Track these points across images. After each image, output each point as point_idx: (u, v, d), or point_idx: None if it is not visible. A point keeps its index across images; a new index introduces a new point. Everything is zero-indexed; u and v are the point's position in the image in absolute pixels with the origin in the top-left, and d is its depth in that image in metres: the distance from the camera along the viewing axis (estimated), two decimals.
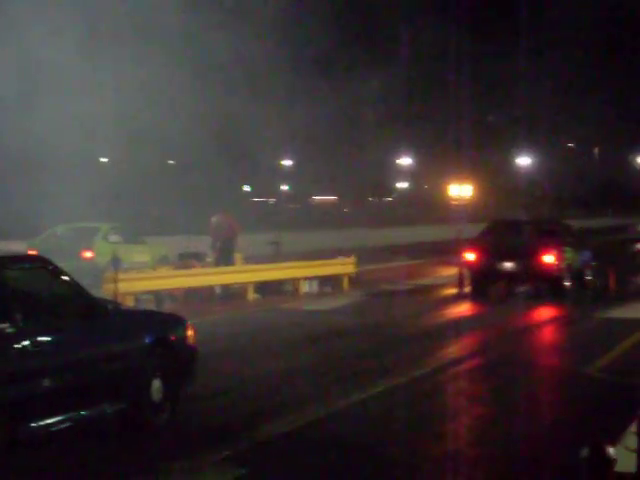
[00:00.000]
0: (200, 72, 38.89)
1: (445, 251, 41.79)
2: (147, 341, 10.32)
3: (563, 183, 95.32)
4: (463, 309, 22.57)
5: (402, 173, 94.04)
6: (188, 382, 10.94)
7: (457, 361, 15.04)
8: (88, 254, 27.39)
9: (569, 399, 12.35)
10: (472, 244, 26.34)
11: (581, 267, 26.20)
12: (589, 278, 26.40)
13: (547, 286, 24.76)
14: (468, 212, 41.28)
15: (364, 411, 11.56)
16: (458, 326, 19.39)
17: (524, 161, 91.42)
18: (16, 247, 28.58)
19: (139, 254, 28.84)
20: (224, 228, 26.60)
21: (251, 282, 24.50)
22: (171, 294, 23.14)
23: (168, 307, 22.35)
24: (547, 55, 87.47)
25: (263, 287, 25.13)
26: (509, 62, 75.45)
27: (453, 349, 16.56)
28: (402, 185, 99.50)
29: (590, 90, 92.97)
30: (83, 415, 9.20)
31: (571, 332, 19.06)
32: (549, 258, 24.39)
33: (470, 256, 25.40)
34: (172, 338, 10.80)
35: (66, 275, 9.58)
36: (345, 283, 26.99)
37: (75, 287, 9.65)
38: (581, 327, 19.62)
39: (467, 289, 25.48)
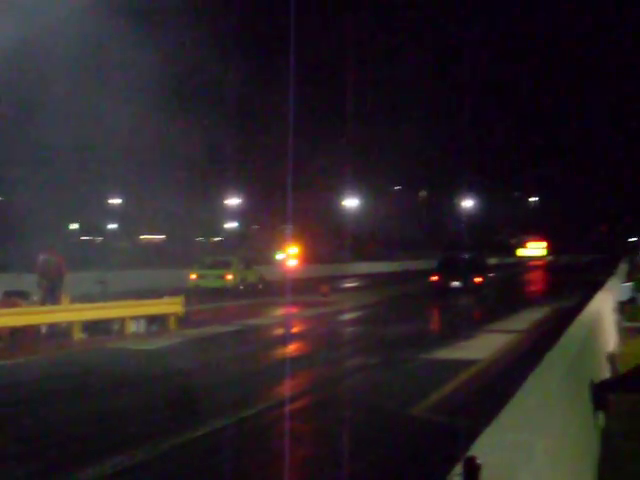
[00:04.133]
0: (27, 105, 38.35)
1: (276, 291, 42.20)
2: None
3: (390, 224, 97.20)
4: (291, 350, 22.70)
5: (231, 213, 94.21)
6: None
7: (283, 402, 15.05)
8: None
9: (394, 440, 12.50)
10: (435, 270, 44.50)
11: (487, 283, 46.05)
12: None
13: (476, 294, 42.23)
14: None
15: (190, 452, 11.60)
16: (286, 367, 19.50)
17: (351, 203, 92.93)
18: None
19: None
20: (51, 266, 26.30)
21: (77, 321, 24.21)
22: None
23: None
24: (374, 98, 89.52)
25: (90, 326, 24.86)
26: (337, 103, 76.83)
27: (280, 390, 16.65)
28: (231, 225, 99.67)
29: (417, 135, 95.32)
30: None
31: (396, 373, 19.07)
32: (479, 278, 43.92)
33: (434, 277, 43.67)
34: None
35: None
36: (172, 323, 26.92)
37: None
38: (407, 368, 19.78)
39: (294, 329, 25.83)
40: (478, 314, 33.66)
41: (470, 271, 44.02)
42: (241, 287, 43.69)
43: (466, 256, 49.01)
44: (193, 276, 43.09)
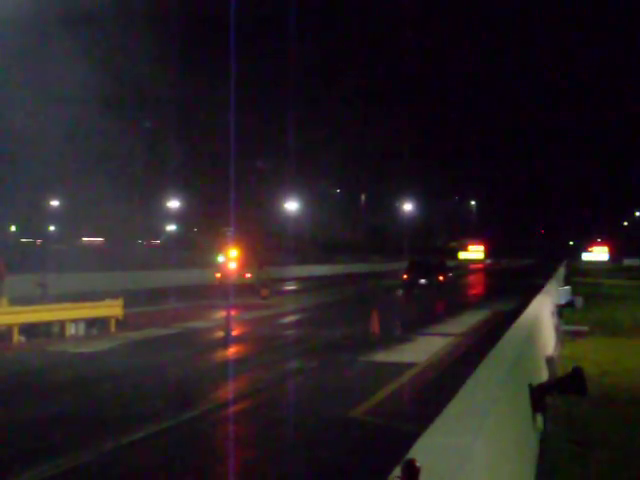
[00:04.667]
0: None
1: (213, 294, 42.04)
2: None
3: (331, 228, 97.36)
4: (230, 352, 22.61)
5: (171, 216, 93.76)
6: None
7: (225, 404, 15.07)
8: None
9: (334, 442, 12.47)
10: (406, 270, 54.49)
11: (447, 281, 56.89)
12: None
13: (440, 287, 52.51)
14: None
15: (128, 456, 11.53)
16: (226, 369, 19.45)
17: (292, 206, 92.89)
18: None
19: None
20: None
21: (16, 324, 23.95)
22: None
23: None
24: (315, 102, 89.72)
25: (29, 329, 24.60)
26: (279, 106, 76.82)
27: (221, 392, 16.64)
28: (171, 228, 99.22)
29: (358, 139, 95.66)
30: None
31: (335, 376, 18.90)
32: (441, 277, 54.74)
33: (405, 276, 53.73)
34: None
35: None
36: (112, 326, 26.74)
37: None
38: (347, 370, 19.76)
39: (234, 332, 25.75)
40: (419, 317, 33.72)
41: (434, 271, 55.48)
42: (256, 284, 48.62)
43: (431, 259, 64.40)
44: (218, 275, 47.72)
